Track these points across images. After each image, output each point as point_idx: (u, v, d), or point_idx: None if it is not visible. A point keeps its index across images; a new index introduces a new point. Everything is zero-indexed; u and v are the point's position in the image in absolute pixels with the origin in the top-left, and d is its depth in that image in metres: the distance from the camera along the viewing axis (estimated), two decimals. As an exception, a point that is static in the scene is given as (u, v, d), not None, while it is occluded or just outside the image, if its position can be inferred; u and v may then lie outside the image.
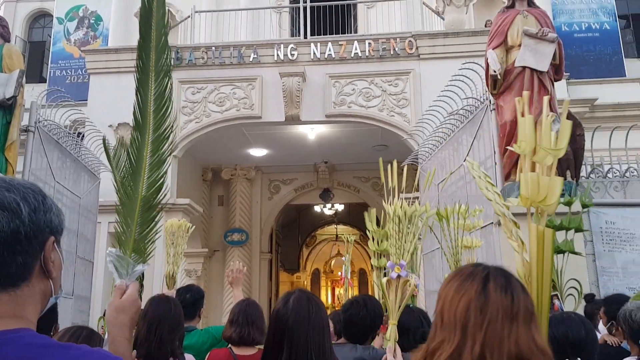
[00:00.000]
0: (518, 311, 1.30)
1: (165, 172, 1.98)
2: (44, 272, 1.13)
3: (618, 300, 3.76)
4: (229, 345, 3.45)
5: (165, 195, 1.99)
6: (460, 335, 1.29)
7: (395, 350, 2.35)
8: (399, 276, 2.47)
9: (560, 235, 3.72)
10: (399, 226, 2.56)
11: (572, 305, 3.18)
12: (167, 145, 1.97)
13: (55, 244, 1.17)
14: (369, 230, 5.10)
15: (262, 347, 3.43)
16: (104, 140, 2.31)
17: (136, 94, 1.98)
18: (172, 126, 2.01)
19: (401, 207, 2.56)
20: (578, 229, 2.98)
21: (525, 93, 2.22)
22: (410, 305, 4.27)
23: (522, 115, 2.09)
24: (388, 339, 2.45)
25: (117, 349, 1.62)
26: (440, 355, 1.30)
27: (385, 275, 4.89)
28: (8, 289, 1.07)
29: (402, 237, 2.57)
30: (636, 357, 3.02)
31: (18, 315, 1.08)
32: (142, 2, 2.01)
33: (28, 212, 1.10)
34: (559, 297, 3.05)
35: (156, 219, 1.94)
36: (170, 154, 2.00)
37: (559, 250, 3.16)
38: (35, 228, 1.10)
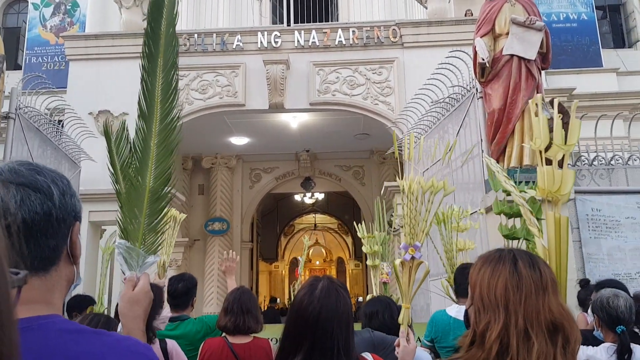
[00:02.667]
0: (547, 283, 1.48)
1: (173, 163, 1.94)
2: (69, 257, 1.13)
3: (611, 285, 3.82)
4: (224, 334, 3.43)
5: (173, 185, 1.95)
6: (504, 313, 1.44)
7: (408, 334, 2.36)
8: (412, 258, 2.41)
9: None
10: (415, 204, 2.45)
11: None
12: (174, 135, 1.93)
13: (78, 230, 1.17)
14: (361, 237, 5.20)
15: (257, 335, 3.45)
16: (104, 126, 2.26)
17: (142, 83, 1.94)
18: (179, 117, 1.98)
19: (418, 183, 2.42)
20: (537, 217, 3.07)
21: (539, 96, 2.27)
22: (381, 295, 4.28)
23: (536, 115, 2.19)
24: (401, 322, 2.43)
25: None
26: (490, 335, 1.43)
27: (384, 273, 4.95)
28: (40, 273, 1.06)
29: (416, 216, 2.46)
30: (611, 343, 3.06)
31: (48, 301, 1.07)
32: None
33: (58, 195, 1.09)
34: None
35: (164, 210, 1.90)
36: (177, 145, 1.96)
37: (513, 237, 3.19)
38: (64, 212, 1.10)
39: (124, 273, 1.82)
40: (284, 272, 26.03)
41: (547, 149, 2.34)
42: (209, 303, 12.22)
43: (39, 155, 6.94)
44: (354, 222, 6.16)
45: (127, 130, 2.07)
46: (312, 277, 2.06)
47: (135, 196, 1.87)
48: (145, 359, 1.06)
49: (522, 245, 3.15)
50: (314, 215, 22.33)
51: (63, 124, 7.99)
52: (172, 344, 3.14)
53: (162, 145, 1.92)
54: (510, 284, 1.46)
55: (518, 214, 3.09)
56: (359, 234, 5.37)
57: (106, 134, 2.15)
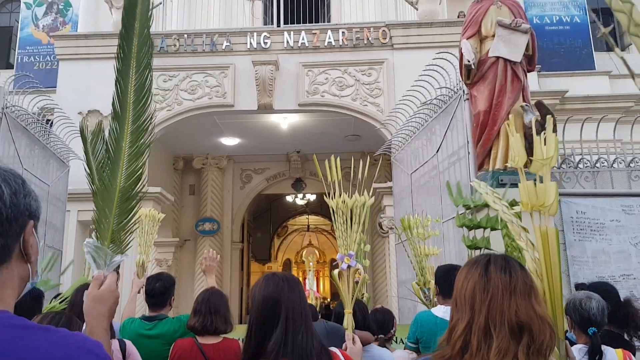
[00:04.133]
0: (516, 286, 1.56)
1: (144, 163, 1.98)
2: (22, 255, 1.14)
3: (603, 287, 3.82)
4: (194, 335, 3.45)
5: (144, 186, 1.97)
6: (469, 313, 1.57)
7: (353, 338, 2.53)
8: (349, 266, 2.62)
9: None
10: (344, 218, 2.70)
11: None
12: (146, 136, 1.96)
13: (33, 229, 1.17)
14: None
15: (226, 336, 3.48)
16: (80, 126, 2.26)
17: (116, 85, 1.96)
18: (152, 118, 2.00)
19: (343, 202, 2.71)
20: (493, 228, 3.28)
21: (511, 117, 2.30)
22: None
23: (513, 134, 2.35)
24: (346, 327, 2.63)
25: (96, 338, 1.54)
26: (457, 331, 1.58)
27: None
28: None
29: (348, 228, 2.70)
30: (583, 345, 3.08)
31: None
32: None
33: (9, 195, 1.09)
34: None
35: (134, 210, 1.93)
36: (149, 145, 1.99)
37: (475, 247, 3.39)
38: (15, 211, 1.10)
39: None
40: (277, 273, 25.96)
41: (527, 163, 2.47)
42: (199, 304, 12.17)
43: (26, 155, 6.91)
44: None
45: (103, 130, 2.08)
46: (265, 275, 2.19)
47: (106, 196, 1.89)
48: (92, 355, 1.06)
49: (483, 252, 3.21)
50: (307, 216, 22.31)
51: (52, 123, 7.96)
52: (130, 344, 3.13)
53: (135, 146, 1.94)
54: (478, 286, 1.58)
55: (479, 226, 3.27)
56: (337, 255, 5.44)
57: (82, 134, 2.15)
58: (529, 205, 2.17)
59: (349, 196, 2.81)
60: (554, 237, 2.10)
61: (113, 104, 1.93)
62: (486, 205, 3.38)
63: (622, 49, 13.78)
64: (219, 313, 3.46)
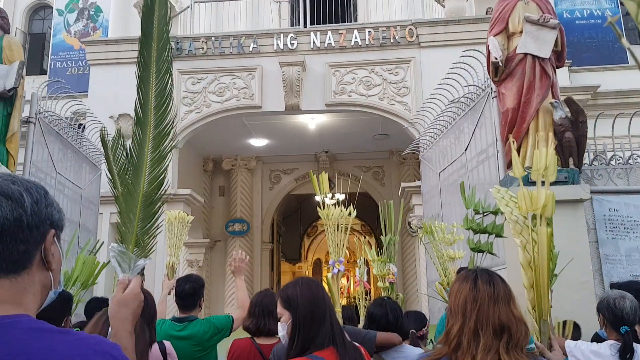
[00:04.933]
0: (498, 295, 1.96)
1: (166, 168, 2.00)
2: (44, 263, 1.17)
3: (635, 287, 3.78)
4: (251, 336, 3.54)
5: (166, 190, 2.00)
6: (462, 318, 1.94)
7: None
8: (339, 271, 2.98)
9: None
10: (333, 228, 3.04)
11: None
12: (168, 141, 1.99)
13: (55, 238, 1.20)
14: (370, 258, 5.35)
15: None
16: (101, 132, 2.30)
17: (137, 91, 1.99)
18: (173, 122, 2.03)
19: (332, 214, 3.04)
20: (498, 235, 3.57)
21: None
22: (385, 297, 4.51)
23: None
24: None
25: (120, 341, 1.64)
26: (452, 333, 1.94)
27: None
28: (9, 275, 1.11)
29: (336, 237, 3.04)
30: (614, 341, 3.22)
31: (18, 302, 1.11)
32: (144, 1, 2.01)
33: (30, 203, 1.15)
34: None
35: (157, 214, 1.96)
36: (170, 150, 2.02)
37: (478, 250, 3.56)
38: (37, 219, 1.15)
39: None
40: (307, 272, 26.03)
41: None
42: (230, 303, 12.30)
43: (59, 159, 7.06)
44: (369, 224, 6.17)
45: (122, 137, 2.12)
46: (296, 279, 2.44)
47: (130, 200, 1.92)
48: (108, 357, 1.08)
49: (486, 256, 3.52)
50: (336, 216, 22.28)
51: (84, 127, 8.12)
52: (169, 345, 3.19)
53: (157, 151, 1.97)
54: (469, 297, 1.96)
55: (485, 231, 3.48)
56: (368, 256, 5.50)
57: (102, 141, 2.19)
58: (524, 209, 2.58)
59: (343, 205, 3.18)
60: (549, 237, 2.52)
61: (135, 109, 1.97)
62: (495, 213, 3.49)
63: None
64: (272, 314, 3.46)
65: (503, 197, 2.96)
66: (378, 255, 5.45)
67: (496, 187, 3.17)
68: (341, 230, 3.03)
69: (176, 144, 2.09)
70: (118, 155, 2.01)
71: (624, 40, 1.30)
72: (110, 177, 2.02)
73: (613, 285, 4.27)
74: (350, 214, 3.09)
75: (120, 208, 1.93)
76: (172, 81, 2.07)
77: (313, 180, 3.13)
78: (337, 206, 3.18)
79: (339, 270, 2.97)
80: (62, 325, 2.69)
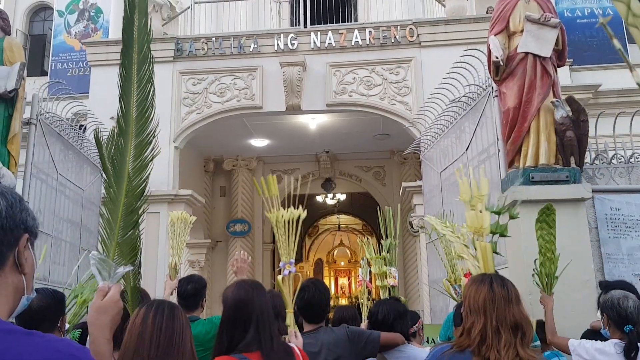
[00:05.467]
0: (512, 297, 2.21)
1: (147, 178, 2.02)
2: (17, 267, 1.19)
3: (619, 286, 3.82)
4: None
5: (146, 199, 2.00)
6: (483, 317, 2.17)
7: (295, 332, 2.98)
8: (289, 272, 3.08)
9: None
10: (284, 229, 3.14)
11: None
12: (149, 150, 2.02)
13: (29, 243, 1.23)
14: (369, 256, 5.38)
15: (286, 336, 3.59)
16: (95, 132, 2.30)
17: (119, 102, 2.02)
18: (154, 132, 2.05)
19: (282, 216, 3.17)
20: (502, 235, 3.47)
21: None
22: (389, 297, 4.55)
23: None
24: (289, 324, 3.07)
25: (98, 348, 1.67)
26: (475, 330, 2.17)
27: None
28: None
29: (287, 238, 3.14)
30: (618, 340, 3.33)
31: None
32: (124, 12, 2.03)
33: (5, 206, 1.17)
34: None
35: (138, 223, 1.99)
36: (152, 160, 2.05)
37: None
38: (11, 222, 1.17)
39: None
40: (308, 273, 26.02)
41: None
42: (231, 304, 12.28)
43: (60, 160, 7.06)
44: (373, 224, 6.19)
45: (117, 137, 2.12)
46: (237, 281, 2.57)
47: (112, 209, 1.96)
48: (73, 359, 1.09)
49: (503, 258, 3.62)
50: (337, 216, 22.29)
51: (85, 128, 8.12)
52: None
53: (138, 161, 2.01)
54: (488, 297, 2.19)
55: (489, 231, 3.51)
56: (366, 255, 5.51)
57: (97, 140, 2.19)
58: (472, 227, 2.94)
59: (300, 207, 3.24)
60: (490, 253, 2.84)
61: (117, 120, 2.00)
62: (498, 213, 3.54)
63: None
64: (281, 315, 3.49)
65: (438, 224, 3.42)
66: (377, 254, 5.45)
67: (428, 216, 3.74)
68: (292, 232, 3.14)
69: (158, 153, 2.14)
70: (113, 155, 2.01)
71: (615, 41, 1.31)
72: (106, 179, 2.03)
73: (602, 284, 4.30)
74: (300, 216, 3.19)
75: (103, 217, 1.96)
76: (153, 90, 2.08)
77: (256, 185, 3.19)
78: (286, 208, 3.24)
79: (289, 272, 3.06)
80: (59, 324, 2.72)
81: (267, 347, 2.33)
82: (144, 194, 1.99)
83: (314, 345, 3.15)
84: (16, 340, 1.06)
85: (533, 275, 3.87)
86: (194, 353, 2.11)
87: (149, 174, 2.01)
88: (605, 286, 4.29)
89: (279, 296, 3.85)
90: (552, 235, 3.67)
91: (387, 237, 5.56)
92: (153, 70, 2.08)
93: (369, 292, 5.74)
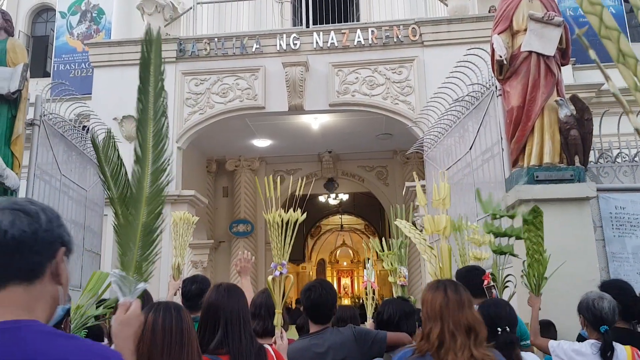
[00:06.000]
0: (464, 302, 2.38)
1: (163, 202, 2.20)
2: (54, 277, 1.30)
3: (616, 285, 3.83)
4: None
5: (163, 221, 2.19)
6: (440, 321, 2.35)
7: (282, 333, 3.12)
8: (281, 273, 3.14)
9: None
10: (279, 231, 3.19)
11: (507, 295, 3.78)
12: (164, 177, 2.19)
13: (64, 256, 1.34)
14: (379, 253, 5.38)
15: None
16: (92, 137, 2.45)
17: (137, 132, 2.20)
18: (169, 160, 2.22)
19: (279, 216, 3.21)
20: (518, 237, 3.69)
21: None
22: (398, 296, 4.55)
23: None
24: (276, 324, 3.15)
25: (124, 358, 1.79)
26: (433, 335, 2.34)
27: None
28: (24, 283, 1.25)
29: (282, 240, 3.18)
30: (595, 340, 3.39)
31: (30, 308, 1.24)
32: (141, 53, 2.26)
33: (45, 221, 1.29)
34: (496, 287, 3.63)
35: (156, 242, 2.14)
36: (167, 184, 2.22)
37: (500, 252, 3.69)
38: (50, 235, 1.29)
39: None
40: (311, 273, 26.01)
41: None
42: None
43: (64, 161, 7.06)
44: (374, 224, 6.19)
45: (114, 138, 2.32)
46: (216, 285, 2.69)
47: (130, 231, 2.10)
48: None
49: (508, 257, 3.68)
50: (340, 216, 22.28)
51: (88, 129, 8.13)
52: None
53: (154, 186, 2.16)
54: (442, 303, 2.37)
55: (505, 234, 3.63)
56: (377, 252, 5.50)
57: (94, 144, 2.30)
58: (430, 230, 3.14)
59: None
60: (447, 251, 3.07)
61: (135, 148, 2.17)
62: (512, 217, 3.57)
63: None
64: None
65: (405, 226, 3.67)
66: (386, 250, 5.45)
67: (399, 219, 3.84)
68: (288, 234, 3.20)
69: (171, 180, 2.35)
70: (109, 158, 2.17)
71: (592, 52, 1.34)
72: (104, 180, 2.20)
73: (602, 285, 4.29)
74: (297, 220, 3.25)
75: (122, 238, 2.10)
76: (167, 123, 2.27)
77: (258, 187, 3.24)
78: (287, 209, 3.28)
79: (280, 273, 3.13)
80: (62, 326, 2.86)
81: (234, 349, 2.45)
82: (161, 216, 2.16)
83: (320, 346, 3.14)
84: (60, 342, 1.19)
85: (522, 276, 3.85)
86: (199, 352, 2.23)
87: (164, 198, 2.20)
88: (602, 286, 4.28)
89: None
90: (540, 237, 3.68)
91: (397, 236, 5.56)
92: (166, 106, 2.29)
93: (374, 292, 5.73)
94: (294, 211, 3.28)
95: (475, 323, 2.33)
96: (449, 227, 3.21)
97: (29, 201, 1.32)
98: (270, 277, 3.21)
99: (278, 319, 3.18)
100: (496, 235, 3.67)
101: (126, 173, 2.18)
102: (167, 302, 2.32)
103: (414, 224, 10.91)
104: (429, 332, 2.35)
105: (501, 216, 3.59)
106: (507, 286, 3.77)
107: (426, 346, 2.34)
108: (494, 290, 3.57)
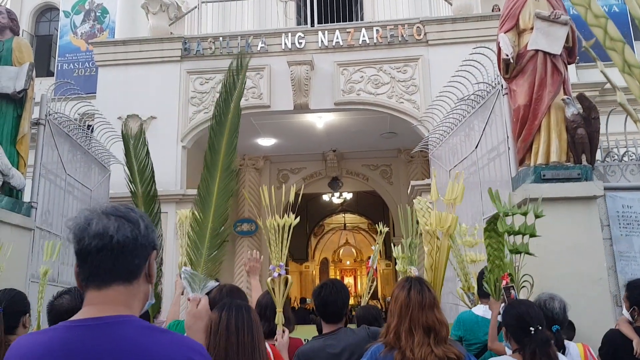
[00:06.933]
0: (426, 302, 2.51)
1: (229, 207, 2.54)
2: (147, 277, 1.47)
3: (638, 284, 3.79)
4: None
5: (230, 225, 2.29)
6: (398, 318, 2.52)
7: (283, 331, 3.28)
8: (279, 275, 3.29)
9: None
10: (276, 235, 3.37)
11: (525, 294, 3.76)
12: (233, 182, 2.60)
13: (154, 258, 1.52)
14: (395, 257, 5.42)
15: (290, 335, 3.63)
16: (123, 132, 2.48)
17: (209, 142, 2.59)
18: (237, 170, 2.46)
19: (275, 221, 3.39)
20: (532, 235, 3.66)
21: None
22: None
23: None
24: (277, 322, 3.29)
25: None
26: (391, 328, 2.51)
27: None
28: (125, 283, 1.41)
29: (280, 243, 3.36)
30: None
31: (129, 305, 1.41)
32: (227, 77, 2.64)
33: (144, 227, 1.45)
34: (514, 288, 3.62)
35: (222, 244, 2.44)
36: (234, 191, 2.60)
37: (516, 251, 3.68)
38: (146, 240, 1.45)
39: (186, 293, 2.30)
40: (314, 272, 26.03)
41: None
42: (238, 304, 12.30)
43: (69, 160, 7.07)
44: (379, 223, 6.21)
45: (144, 133, 2.37)
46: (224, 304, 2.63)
47: (199, 233, 2.37)
48: (198, 355, 1.38)
49: (524, 257, 3.69)
50: (343, 215, 22.28)
51: (93, 128, 8.13)
52: None
53: (222, 192, 2.47)
54: (403, 302, 2.53)
55: (518, 233, 3.62)
56: (394, 255, 5.51)
57: (124, 138, 2.34)
58: (434, 225, 3.23)
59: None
60: (446, 249, 3.23)
61: (205, 157, 2.57)
62: (524, 214, 3.55)
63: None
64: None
65: (422, 207, 3.66)
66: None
67: (419, 197, 3.81)
68: (285, 237, 3.38)
69: (237, 191, 2.70)
70: (139, 152, 2.25)
71: (599, 63, 1.37)
72: (129, 174, 2.29)
73: (629, 285, 4.25)
74: (292, 223, 3.47)
75: (191, 240, 2.43)
76: (237, 137, 2.65)
77: (261, 194, 3.57)
78: (283, 215, 3.46)
79: (279, 274, 3.29)
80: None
81: None
82: (227, 220, 2.46)
83: (335, 346, 3.13)
84: (156, 336, 1.35)
85: (485, 280, 3.81)
86: (266, 352, 2.42)
87: (230, 206, 2.48)
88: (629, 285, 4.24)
89: None
90: (501, 243, 3.69)
91: (408, 236, 5.58)
92: (239, 122, 2.68)
93: (374, 281, 5.85)
94: (294, 213, 3.48)
95: (436, 323, 2.45)
96: (453, 226, 3.30)
97: (130, 209, 1.46)
98: (269, 279, 3.35)
99: (279, 318, 3.29)
100: (510, 234, 3.65)
101: (153, 170, 2.32)
102: (239, 303, 2.45)
103: (418, 222, 10.89)
104: (389, 326, 2.53)
105: (513, 214, 3.57)
106: (524, 286, 3.74)
107: (386, 339, 2.51)
108: (512, 291, 3.57)
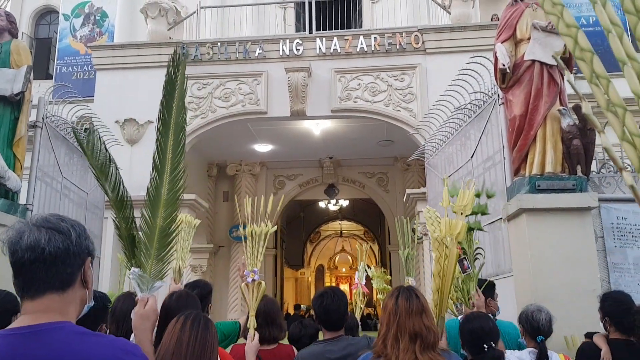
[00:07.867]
0: (413, 309, 2.50)
1: (178, 207, 2.41)
2: (82, 283, 1.52)
3: (612, 297, 3.84)
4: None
5: (178, 226, 2.42)
6: (386, 326, 2.53)
7: (254, 335, 3.31)
8: (253, 280, 3.37)
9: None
10: (252, 242, 3.48)
11: (478, 265, 3.96)
12: (180, 184, 2.42)
13: (90, 263, 1.56)
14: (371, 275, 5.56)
15: (281, 342, 3.63)
16: (77, 137, 2.60)
17: (156, 143, 2.43)
18: (184, 170, 2.46)
19: (253, 229, 3.49)
20: (483, 213, 4.04)
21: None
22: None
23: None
24: (249, 326, 3.34)
25: (144, 347, 1.99)
26: (380, 336, 2.54)
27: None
28: (59, 292, 1.46)
29: (255, 250, 3.47)
30: (532, 348, 3.67)
31: (64, 312, 1.46)
32: (167, 71, 2.48)
33: (75, 236, 1.49)
34: (467, 259, 3.85)
35: (171, 244, 2.36)
36: (181, 192, 2.44)
37: (470, 228, 3.94)
38: (79, 248, 1.49)
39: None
40: (310, 278, 26.01)
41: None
42: (233, 309, 12.29)
43: (65, 163, 7.06)
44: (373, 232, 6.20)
45: (101, 139, 2.45)
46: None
47: (147, 234, 2.32)
48: (131, 355, 1.43)
49: (492, 265, 3.87)
50: (339, 222, 22.29)
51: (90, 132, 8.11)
52: None
53: (171, 192, 2.39)
54: (392, 310, 2.54)
55: (473, 212, 3.83)
56: (369, 273, 5.68)
57: (79, 143, 2.44)
58: (444, 232, 3.28)
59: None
60: (454, 255, 3.22)
61: (154, 158, 2.40)
62: (477, 195, 3.87)
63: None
64: (275, 322, 3.75)
65: (431, 216, 3.71)
66: (381, 267, 5.54)
67: (427, 207, 3.90)
68: (261, 244, 3.49)
69: (185, 187, 2.60)
70: (96, 154, 2.32)
71: (568, 72, 1.41)
72: (96, 174, 2.46)
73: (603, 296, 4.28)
74: (268, 231, 3.54)
75: (140, 241, 2.35)
76: (185, 136, 2.53)
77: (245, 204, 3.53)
78: (260, 224, 3.50)
79: (253, 280, 3.37)
80: (98, 329, 3.03)
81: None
82: (176, 221, 2.40)
83: (334, 352, 3.14)
84: (88, 340, 1.40)
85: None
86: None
87: (179, 206, 2.42)
88: (602, 297, 4.27)
89: (275, 303, 3.90)
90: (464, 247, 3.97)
91: (404, 247, 5.63)
92: (185, 121, 2.55)
93: (364, 296, 5.86)
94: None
95: (422, 330, 2.46)
96: (462, 233, 3.36)
97: (60, 218, 1.51)
98: (243, 284, 3.41)
99: (251, 322, 3.34)
100: (467, 215, 3.92)
101: (117, 173, 2.34)
102: (198, 313, 2.43)
103: (413, 230, 10.90)
104: (379, 334, 2.58)
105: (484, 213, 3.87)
106: (477, 258, 3.96)
107: (378, 348, 2.55)
108: (465, 262, 3.80)
